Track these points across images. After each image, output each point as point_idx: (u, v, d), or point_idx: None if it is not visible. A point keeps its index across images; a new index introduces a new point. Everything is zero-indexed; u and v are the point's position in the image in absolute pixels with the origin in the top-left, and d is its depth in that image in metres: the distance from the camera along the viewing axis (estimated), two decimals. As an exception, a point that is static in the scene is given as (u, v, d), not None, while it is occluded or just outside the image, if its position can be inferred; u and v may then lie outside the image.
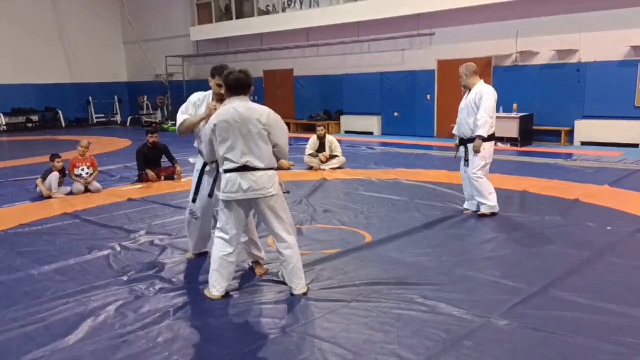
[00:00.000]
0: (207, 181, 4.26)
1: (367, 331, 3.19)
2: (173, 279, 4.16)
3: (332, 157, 9.31)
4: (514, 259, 4.49)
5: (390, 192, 7.19)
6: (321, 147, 9.37)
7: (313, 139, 9.47)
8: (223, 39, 18.20)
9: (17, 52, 19.06)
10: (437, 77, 13.79)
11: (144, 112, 20.69)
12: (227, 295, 3.79)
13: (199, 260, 4.55)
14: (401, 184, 7.77)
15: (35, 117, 19.81)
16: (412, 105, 14.29)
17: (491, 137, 5.76)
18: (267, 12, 17.00)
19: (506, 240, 5.01)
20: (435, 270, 4.21)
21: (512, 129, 11.43)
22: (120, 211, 6.46)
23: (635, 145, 10.70)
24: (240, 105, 3.61)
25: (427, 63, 13.84)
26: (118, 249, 4.95)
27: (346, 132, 15.45)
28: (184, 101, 4.52)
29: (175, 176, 8.51)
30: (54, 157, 7.54)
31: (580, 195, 6.58)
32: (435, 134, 13.99)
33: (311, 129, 14.28)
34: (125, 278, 4.20)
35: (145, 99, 20.73)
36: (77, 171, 7.73)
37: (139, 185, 8.17)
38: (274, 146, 3.68)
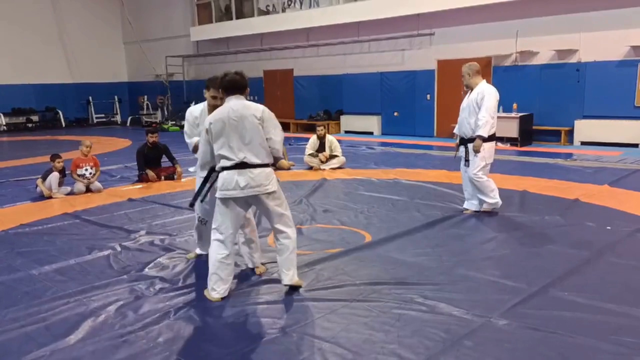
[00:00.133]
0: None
1: (367, 331, 3.20)
2: (173, 279, 4.16)
3: (332, 157, 9.31)
4: (514, 259, 4.50)
5: (390, 192, 7.20)
6: (321, 147, 9.38)
7: (313, 139, 9.48)
8: (223, 39, 18.20)
9: (17, 52, 19.06)
10: (437, 77, 13.79)
11: (144, 112, 20.68)
12: (227, 296, 3.79)
13: (199, 261, 4.55)
14: (401, 184, 7.77)
15: (35, 117, 19.81)
16: (412, 105, 14.29)
17: (492, 138, 5.76)
18: (267, 12, 17.01)
19: (506, 240, 5.01)
20: (435, 270, 4.21)
21: (512, 129, 11.42)
22: (121, 211, 6.47)
23: (635, 145, 10.70)
24: (236, 104, 3.66)
25: (427, 63, 13.84)
26: (118, 249, 4.95)
27: (346, 132, 15.45)
28: (184, 102, 4.52)
29: (175, 176, 8.52)
30: (54, 157, 7.54)
31: (580, 195, 6.58)
32: (435, 134, 13.99)
33: (311, 129, 14.28)
34: (125, 278, 4.20)
35: (145, 99, 20.72)
36: (80, 171, 7.73)
37: (139, 186, 8.18)
38: (267, 140, 3.68)
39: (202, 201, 4.07)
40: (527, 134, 11.74)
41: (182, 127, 4.56)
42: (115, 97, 21.63)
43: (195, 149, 4.34)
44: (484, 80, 5.82)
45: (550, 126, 11.89)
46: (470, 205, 6.00)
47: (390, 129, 14.80)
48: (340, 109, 15.85)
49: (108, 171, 9.30)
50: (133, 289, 3.96)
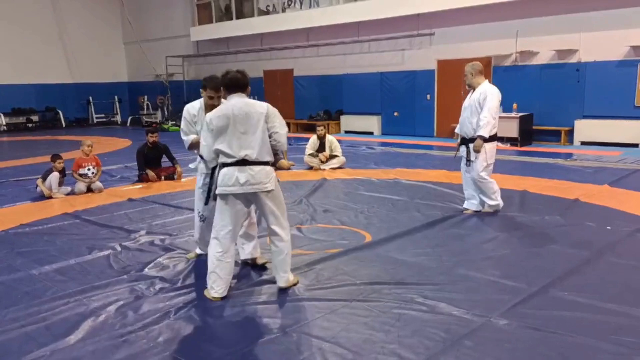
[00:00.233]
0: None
1: (367, 331, 3.20)
2: (173, 279, 4.16)
3: (332, 157, 9.31)
4: (514, 259, 4.50)
5: (391, 192, 7.20)
6: (321, 147, 9.38)
7: (313, 139, 9.48)
8: (223, 39, 18.20)
9: (17, 52, 19.07)
10: (437, 77, 13.79)
11: (144, 112, 20.69)
12: (227, 296, 3.79)
13: (199, 261, 4.55)
14: (401, 184, 7.77)
15: (35, 117, 19.82)
16: (412, 105, 14.30)
17: (493, 138, 5.75)
18: (267, 12, 17.02)
19: (506, 240, 5.01)
20: (435, 270, 4.21)
21: (512, 129, 11.42)
22: (121, 211, 6.47)
23: (635, 145, 10.70)
24: (239, 101, 3.69)
25: (427, 63, 13.84)
26: (118, 249, 4.95)
27: (346, 132, 15.46)
28: (184, 102, 4.53)
29: (175, 176, 8.52)
30: (55, 157, 7.55)
31: (580, 195, 6.58)
32: (435, 134, 13.99)
33: (311, 129, 14.29)
34: (125, 278, 4.20)
35: (145, 99, 20.73)
36: (83, 171, 7.73)
37: (139, 186, 8.18)
38: (272, 135, 3.69)
39: (214, 199, 4.08)
40: (527, 134, 11.74)
41: (180, 130, 4.56)
42: (115, 97, 21.64)
43: (192, 146, 4.34)
44: (487, 80, 5.81)
45: (550, 126, 11.90)
46: (470, 205, 6.00)
47: (390, 129, 14.80)
48: (340, 109, 15.86)
49: (108, 171, 9.30)
50: (133, 289, 3.96)
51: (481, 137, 5.61)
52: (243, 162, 3.64)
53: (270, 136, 3.70)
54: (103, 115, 21.36)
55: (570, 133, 11.66)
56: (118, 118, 21.60)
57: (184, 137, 4.38)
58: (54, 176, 7.39)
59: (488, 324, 3.25)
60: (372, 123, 15.04)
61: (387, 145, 12.49)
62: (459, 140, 5.99)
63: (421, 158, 10.43)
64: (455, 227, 5.47)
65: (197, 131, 4.29)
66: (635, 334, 3.07)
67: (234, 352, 3.01)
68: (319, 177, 8.32)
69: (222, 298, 3.75)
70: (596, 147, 10.82)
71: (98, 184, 7.76)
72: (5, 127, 18.81)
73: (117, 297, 3.81)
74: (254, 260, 4.40)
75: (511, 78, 12.17)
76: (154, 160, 8.58)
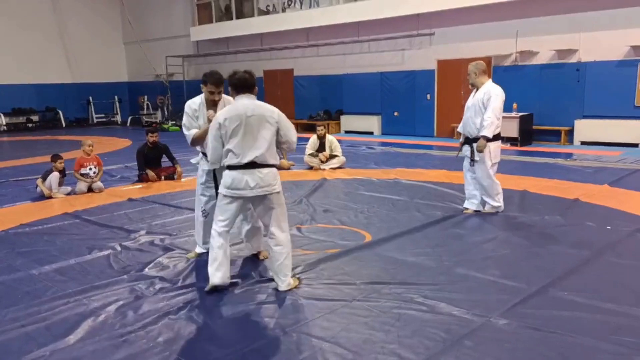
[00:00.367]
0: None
1: (367, 331, 3.20)
2: (173, 279, 4.16)
3: (332, 157, 9.31)
4: (514, 259, 4.50)
5: (391, 192, 7.20)
6: (321, 147, 9.38)
7: (313, 139, 9.48)
8: (223, 39, 18.20)
9: (17, 52, 19.07)
10: (437, 77, 13.80)
11: (145, 112, 20.70)
12: (226, 289, 3.84)
13: (199, 260, 4.55)
14: (401, 183, 7.77)
15: (35, 117, 19.82)
16: (412, 105, 14.30)
17: (497, 138, 5.74)
18: (267, 12, 17.02)
19: (506, 240, 5.01)
20: (435, 270, 4.21)
21: (512, 129, 11.42)
22: (121, 211, 6.47)
23: (635, 145, 10.71)
24: (250, 103, 3.73)
25: (427, 63, 13.84)
26: (118, 249, 4.95)
27: (346, 132, 15.46)
28: (184, 102, 4.53)
29: (175, 176, 8.52)
30: (55, 157, 7.55)
31: (580, 195, 6.58)
32: (435, 134, 14.00)
33: (311, 129, 14.29)
34: (125, 278, 4.20)
35: (145, 99, 20.74)
36: (84, 170, 7.73)
37: (139, 185, 8.17)
38: (284, 142, 3.80)
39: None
40: (527, 134, 11.74)
41: (182, 126, 4.57)
42: (116, 97, 21.64)
43: (194, 142, 4.35)
44: (490, 80, 5.80)
45: (550, 126, 11.90)
46: (471, 204, 6.00)
47: (390, 128, 14.81)
48: (340, 108, 15.86)
49: (108, 171, 9.29)
50: (133, 289, 3.96)
51: (484, 137, 5.61)
52: (251, 165, 3.68)
53: (282, 142, 3.80)
54: (103, 115, 21.36)
55: (570, 133, 11.67)
56: (118, 118, 21.60)
57: (186, 132, 4.40)
58: (54, 176, 7.39)
59: (488, 324, 3.25)
60: (372, 123, 15.04)
61: (387, 145, 12.49)
62: (461, 140, 5.99)
63: (421, 158, 10.43)
64: (455, 227, 5.47)
65: (199, 126, 4.33)
66: (635, 334, 3.07)
67: (234, 352, 3.01)
68: (319, 177, 8.32)
69: (222, 289, 3.79)
70: (596, 147, 10.82)
71: (99, 184, 7.76)
72: (5, 127, 18.81)
73: (117, 297, 3.81)
74: (258, 254, 4.55)
75: (511, 78, 12.16)
76: (154, 160, 8.58)
